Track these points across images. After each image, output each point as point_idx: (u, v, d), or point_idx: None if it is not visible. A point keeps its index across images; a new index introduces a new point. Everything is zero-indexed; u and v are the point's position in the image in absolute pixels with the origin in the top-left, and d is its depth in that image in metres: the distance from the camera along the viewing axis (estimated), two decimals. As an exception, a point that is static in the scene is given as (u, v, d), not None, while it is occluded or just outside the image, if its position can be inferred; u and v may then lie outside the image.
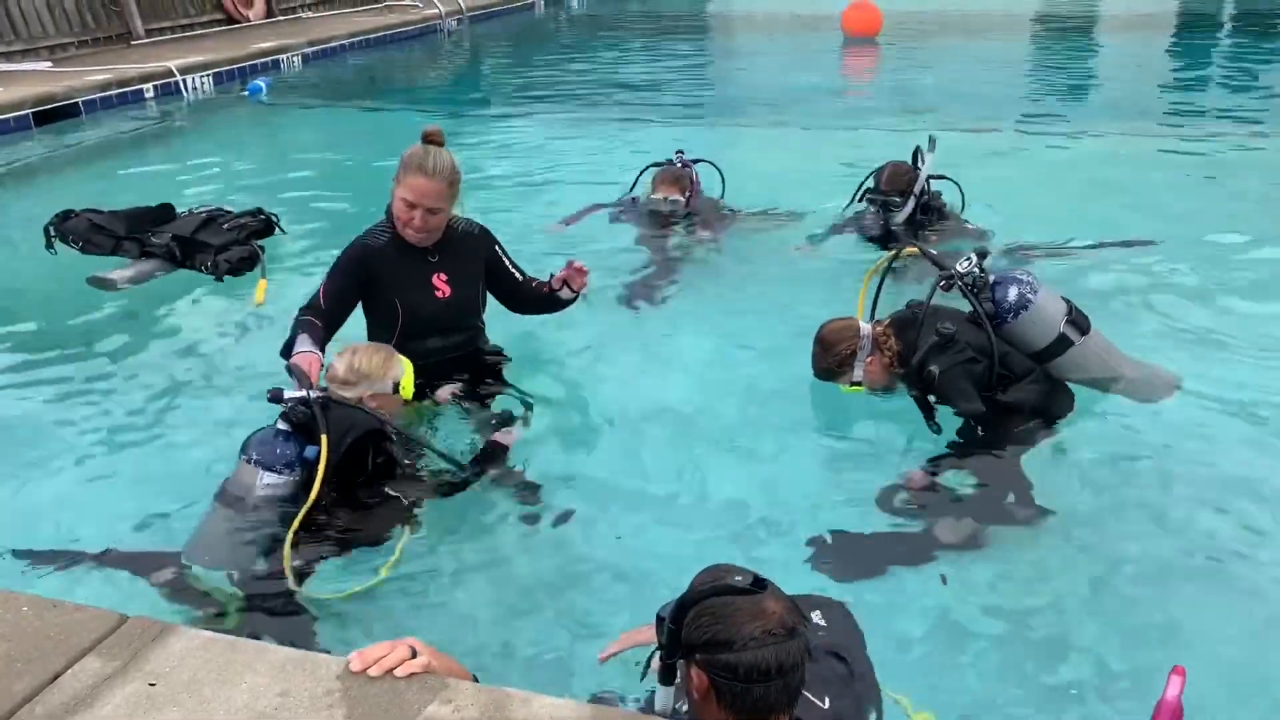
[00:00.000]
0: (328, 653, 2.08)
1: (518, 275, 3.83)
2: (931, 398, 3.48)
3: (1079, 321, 3.51)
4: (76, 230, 4.92)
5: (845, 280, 4.89)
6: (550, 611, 2.85)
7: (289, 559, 2.73)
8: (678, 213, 5.50)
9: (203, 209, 5.18)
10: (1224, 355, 4.17)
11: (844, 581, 2.89)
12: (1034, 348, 3.49)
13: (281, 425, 2.92)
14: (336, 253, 3.67)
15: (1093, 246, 5.22)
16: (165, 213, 5.11)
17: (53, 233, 4.94)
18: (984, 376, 3.39)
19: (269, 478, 2.87)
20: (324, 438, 2.79)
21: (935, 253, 3.87)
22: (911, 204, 4.97)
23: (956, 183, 5.28)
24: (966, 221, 5.24)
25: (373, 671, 1.86)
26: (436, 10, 14.87)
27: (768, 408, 3.89)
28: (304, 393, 2.90)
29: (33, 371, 4.31)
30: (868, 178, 5.17)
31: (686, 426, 3.80)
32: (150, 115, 9.64)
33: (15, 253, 5.76)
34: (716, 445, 3.68)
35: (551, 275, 3.79)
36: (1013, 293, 3.45)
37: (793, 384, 3.94)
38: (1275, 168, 6.94)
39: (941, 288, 3.49)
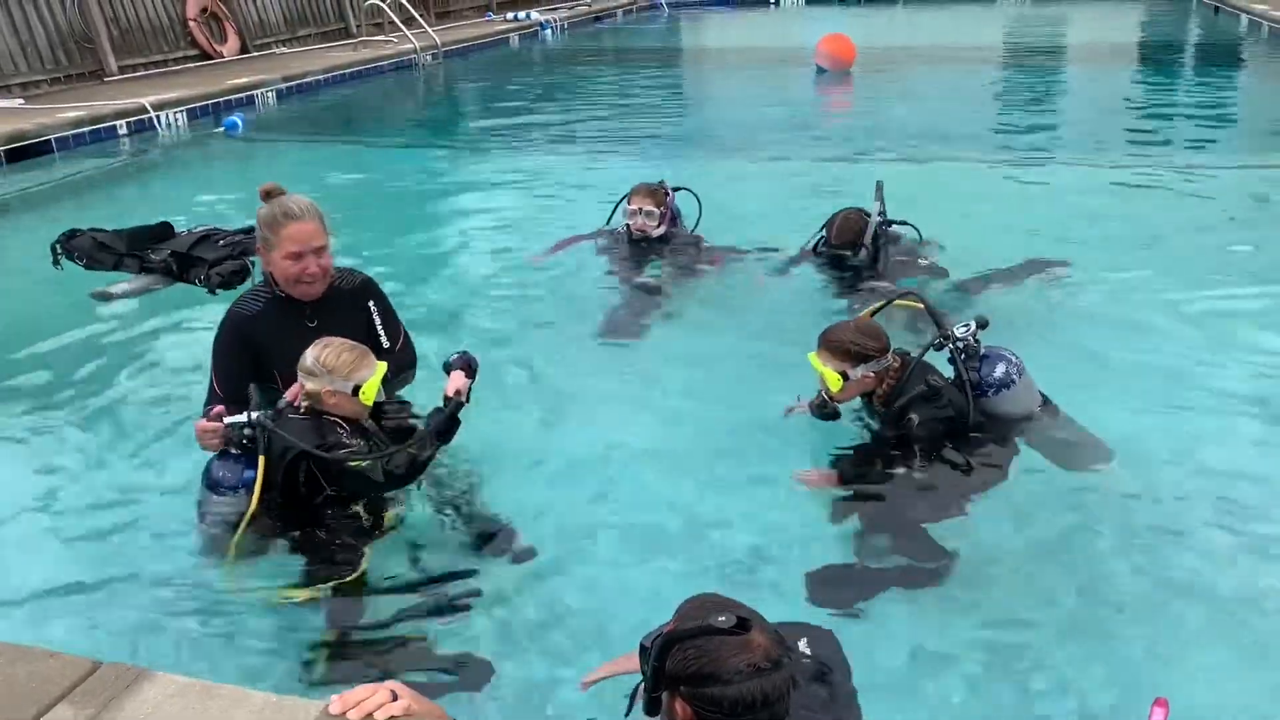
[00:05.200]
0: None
1: (384, 342, 3.50)
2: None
3: (1050, 412, 3.65)
4: (81, 248, 5.12)
5: (814, 311, 4.92)
6: (529, 650, 2.82)
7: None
8: (650, 234, 5.47)
9: (200, 228, 5.32)
10: (1203, 381, 4.21)
11: (825, 609, 2.89)
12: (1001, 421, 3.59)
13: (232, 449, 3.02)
14: None
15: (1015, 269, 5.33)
16: (165, 231, 5.30)
17: (59, 250, 5.13)
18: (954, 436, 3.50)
19: (215, 498, 3.03)
20: (261, 459, 2.90)
21: (938, 311, 3.86)
22: (864, 253, 5.03)
23: (914, 226, 5.31)
24: (921, 257, 5.29)
25: (352, 715, 1.84)
26: (411, 45, 14.94)
27: (745, 439, 3.89)
28: (244, 417, 2.96)
29: (33, 375, 4.60)
30: (822, 228, 5.21)
31: (663, 459, 3.79)
32: (124, 152, 9.60)
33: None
34: (694, 477, 3.67)
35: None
36: (1000, 369, 3.52)
37: (768, 415, 3.94)
38: (1234, 194, 7.05)
39: (934, 347, 3.55)
